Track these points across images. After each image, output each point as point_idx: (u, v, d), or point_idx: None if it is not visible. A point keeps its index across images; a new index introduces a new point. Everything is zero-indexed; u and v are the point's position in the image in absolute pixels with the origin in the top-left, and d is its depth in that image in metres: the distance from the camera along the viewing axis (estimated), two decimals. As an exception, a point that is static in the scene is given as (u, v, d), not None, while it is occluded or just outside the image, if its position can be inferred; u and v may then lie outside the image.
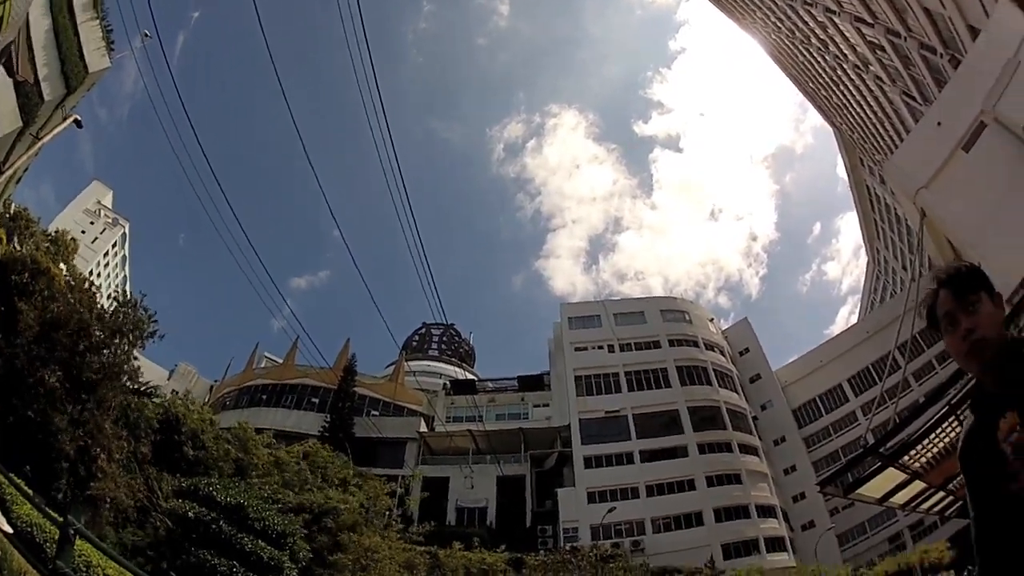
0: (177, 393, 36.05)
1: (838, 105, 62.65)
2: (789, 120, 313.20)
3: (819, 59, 55.32)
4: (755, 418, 78.51)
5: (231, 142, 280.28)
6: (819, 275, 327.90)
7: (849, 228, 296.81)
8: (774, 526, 67.12)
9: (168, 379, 78.17)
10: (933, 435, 12.18)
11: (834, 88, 58.62)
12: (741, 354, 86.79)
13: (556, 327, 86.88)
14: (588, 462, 69.34)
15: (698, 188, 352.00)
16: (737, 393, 78.85)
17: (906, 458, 13.13)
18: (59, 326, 21.88)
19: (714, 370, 78.37)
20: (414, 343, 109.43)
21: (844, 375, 78.63)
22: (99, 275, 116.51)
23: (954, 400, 11.97)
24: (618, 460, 69.49)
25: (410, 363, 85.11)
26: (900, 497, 15.53)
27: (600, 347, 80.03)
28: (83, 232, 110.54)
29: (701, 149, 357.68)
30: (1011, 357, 2.29)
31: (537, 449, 73.35)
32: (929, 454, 12.95)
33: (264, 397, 74.04)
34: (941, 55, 31.16)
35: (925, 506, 16.63)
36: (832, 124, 76.43)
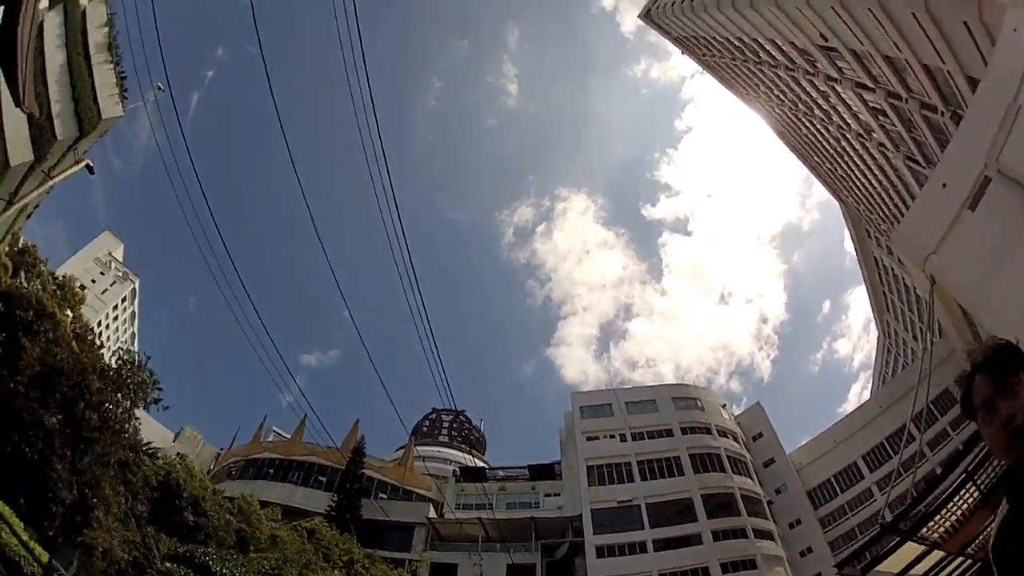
0: (181, 457, 35.49)
1: (843, 177, 63.06)
2: (795, 196, 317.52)
3: (822, 130, 55.89)
4: (770, 502, 76.85)
5: (243, 209, 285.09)
6: (830, 353, 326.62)
7: (858, 303, 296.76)
8: (791, 610, 65.17)
9: (173, 441, 77.49)
10: (951, 504, 12.04)
11: (838, 159, 59.07)
12: (754, 439, 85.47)
13: (567, 416, 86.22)
14: (600, 551, 67.72)
15: (707, 272, 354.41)
16: (751, 478, 77.35)
17: (924, 530, 12.98)
18: (61, 373, 21.67)
19: (728, 456, 77.07)
20: (424, 428, 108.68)
21: (858, 452, 77.23)
22: (107, 327, 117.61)
23: (971, 467, 11.62)
24: (631, 549, 67.88)
25: (420, 448, 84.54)
26: (919, 569, 14.94)
27: (612, 436, 79.29)
28: (93, 281, 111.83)
29: (709, 231, 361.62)
30: None
31: (548, 538, 71.71)
32: (947, 523, 12.74)
33: (271, 471, 73.31)
34: (942, 113, 31.31)
35: (944, 574, 15.91)
36: (838, 197, 76.87)
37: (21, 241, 27.95)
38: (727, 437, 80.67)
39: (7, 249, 24.62)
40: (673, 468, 75.38)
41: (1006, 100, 18.23)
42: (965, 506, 12.14)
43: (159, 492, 28.88)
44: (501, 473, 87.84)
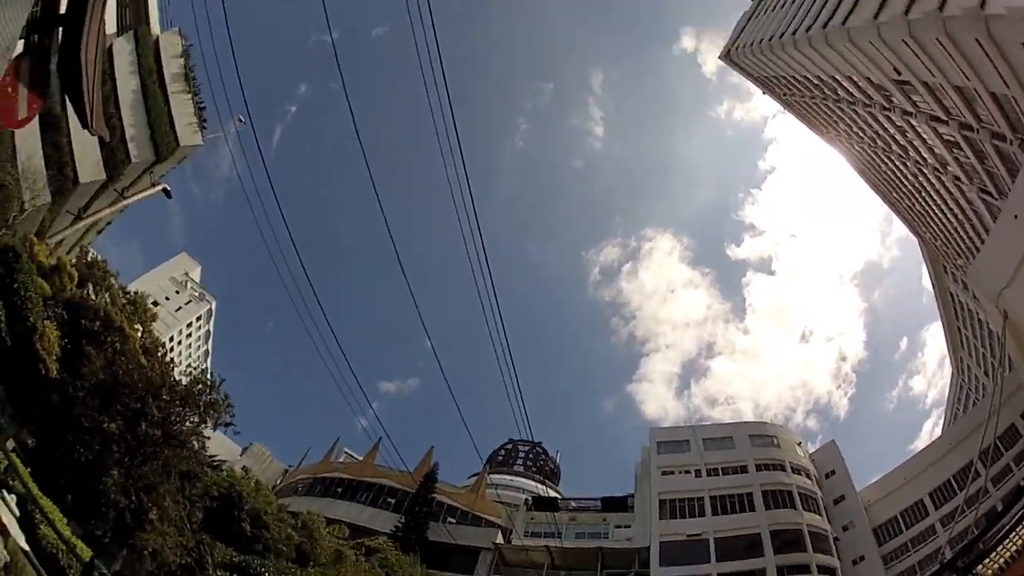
0: (247, 470, 36.62)
1: (921, 212, 62.04)
2: (875, 233, 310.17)
3: (900, 166, 55.28)
4: (836, 539, 75.12)
5: (325, 239, 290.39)
6: (905, 391, 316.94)
7: (934, 340, 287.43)
8: (846, 646, 63.29)
9: (240, 455, 79.15)
10: (1008, 540, 11.86)
11: (916, 195, 58.22)
12: (827, 476, 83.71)
13: (644, 451, 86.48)
14: (666, 583, 66.90)
15: (789, 311, 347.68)
16: (820, 515, 75.75)
17: (980, 567, 13.10)
18: (125, 385, 22.82)
19: (799, 493, 75.78)
20: (500, 457, 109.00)
21: (925, 490, 75.13)
22: (179, 343, 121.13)
23: None
24: (696, 582, 67.10)
25: (493, 476, 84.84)
26: None
27: (687, 471, 79.14)
28: (167, 299, 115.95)
29: (792, 270, 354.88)
30: None
31: (614, 569, 71.63)
32: (1002, 559, 12.80)
33: (339, 490, 74.19)
34: (1011, 141, 30.94)
35: None
36: (916, 233, 75.53)
37: (90, 255, 29.51)
38: (800, 474, 79.30)
39: (74, 261, 26.09)
40: (744, 504, 74.55)
41: None
42: (1021, 542, 12.17)
43: (219, 502, 29.85)
44: (573, 504, 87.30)
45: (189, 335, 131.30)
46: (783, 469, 78.43)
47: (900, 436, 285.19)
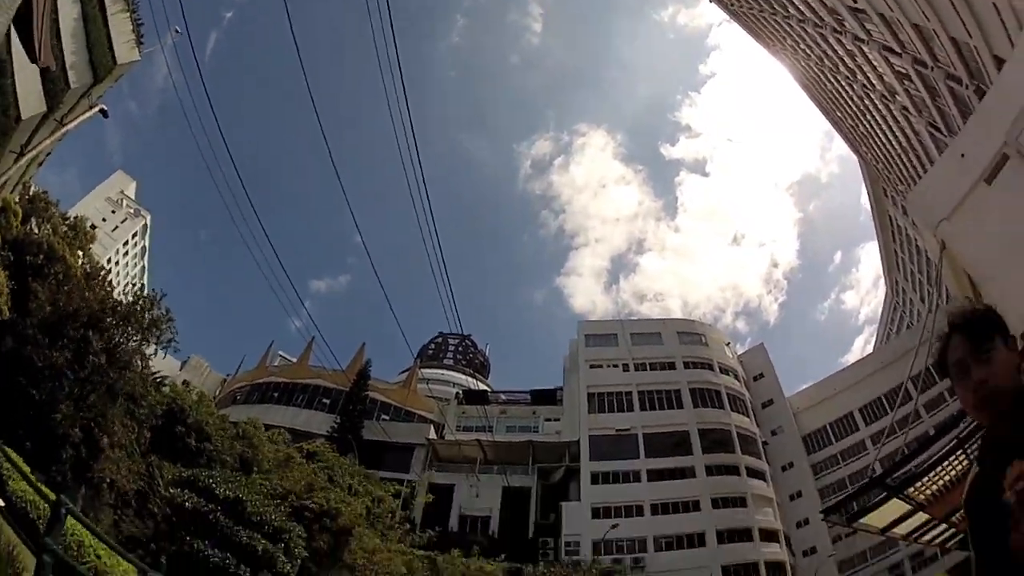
0: (187, 384, 36.36)
1: (864, 134, 62.43)
2: (816, 148, 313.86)
3: (846, 87, 55.21)
4: (765, 443, 78.14)
5: (258, 142, 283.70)
6: (837, 304, 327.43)
7: (869, 258, 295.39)
8: (776, 551, 66.73)
9: (180, 370, 78.66)
10: (940, 468, 12.16)
11: (861, 117, 58.45)
12: (755, 379, 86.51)
13: (572, 344, 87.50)
14: (595, 478, 69.48)
15: (722, 213, 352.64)
16: (749, 417, 78.61)
17: (911, 489, 13.09)
18: (71, 315, 22.25)
19: (727, 394, 78.44)
20: (430, 351, 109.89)
21: (856, 404, 78.15)
22: (117, 263, 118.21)
23: (963, 434, 11.96)
24: (625, 478, 69.67)
25: (424, 371, 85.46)
26: (903, 528, 15.33)
27: (615, 366, 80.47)
28: (104, 220, 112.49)
29: (727, 174, 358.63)
30: (1018, 413, 2.23)
31: (545, 462, 73.20)
32: (934, 486, 12.89)
33: (276, 395, 74.43)
34: (967, 86, 31.13)
35: (926, 538, 16.24)
36: (858, 153, 76.10)
37: (32, 189, 28.31)
38: (728, 375, 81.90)
39: (17, 199, 24.99)
40: (673, 401, 76.85)
41: None
42: (954, 472, 12.52)
43: (163, 419, 29.66)
44: (503, 397, 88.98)
45: (126, 254, 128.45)
46: (711, 368, 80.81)
47: (831, 348, 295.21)
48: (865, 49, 42.77)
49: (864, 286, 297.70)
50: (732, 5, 66.94)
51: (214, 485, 24.09)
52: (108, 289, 26.50)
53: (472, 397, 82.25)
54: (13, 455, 16.28)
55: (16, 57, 17.89)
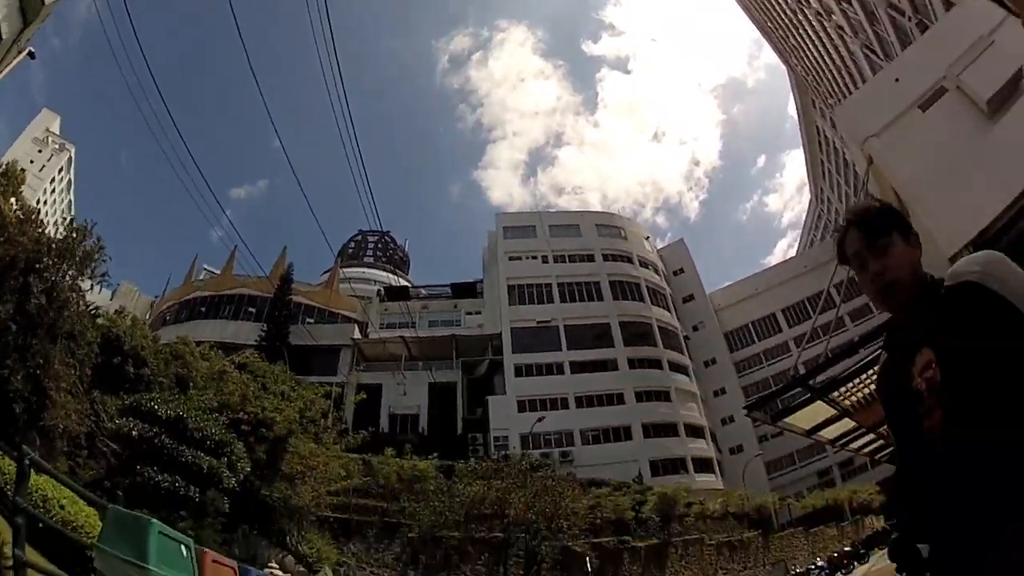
0: (120, 312, 35.82)
1: (795, 46, 62.86)
2: (743, 54, 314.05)
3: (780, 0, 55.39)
4: (687, 338, 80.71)
5: (172, 48, 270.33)
6: (760, 206, 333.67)
7: (794, 165, 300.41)
8: (702, 447, 69.47)
9: (111, 299, 77.03)
10: (865, 375, 12.01)
11: (793, 29, 58.72)
12: (676, 274, 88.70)
13: (491, 236, 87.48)
14: (519, 371, 70.80)
15: (643, 110, 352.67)
16: (669, 311, 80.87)
17: (836, 394, 13.03)
18: (10, 266, 21.79)
19: (647, 287, 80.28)
20: (349, 250, 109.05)
21: (779, 305, 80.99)
22: (46, 202, 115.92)
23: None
24: (548, 370, 71.05)
25: (345, 270, 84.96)
26: (829, 432, 15.61)
27: (534, 257, 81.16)
28: (31, 161, 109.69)
29: (649, 73, 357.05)
30: (924, 299, 2.33)
31: (469, 356, 74.16)
32: (860, 394, 12.98)
33: (203, 309, 73.31)
34: (910, 18, 31.64)
35: (855, 445, 16.68)
36: (787, 64, 76.63)
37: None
38: (648, 268, 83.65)
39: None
40: (593, 293, 78.33)
41: (979, 31, 19.00)
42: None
43: (101, 352, 29.42)
44: (424, 292, 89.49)
45: (53, 190, 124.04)
46: (630, 261, 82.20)
47: (753, 248, 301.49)
48: (804, -37, 43.00)
49: (788, 191, 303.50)
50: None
51: (155, 407, 24.11)
52: (41, 230, 25.89)
53: (394, 294, 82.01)
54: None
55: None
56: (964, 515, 2.04)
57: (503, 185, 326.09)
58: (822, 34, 50.62)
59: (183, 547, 12.25)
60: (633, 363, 71.58)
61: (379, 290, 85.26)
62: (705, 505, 52.15)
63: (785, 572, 46.91)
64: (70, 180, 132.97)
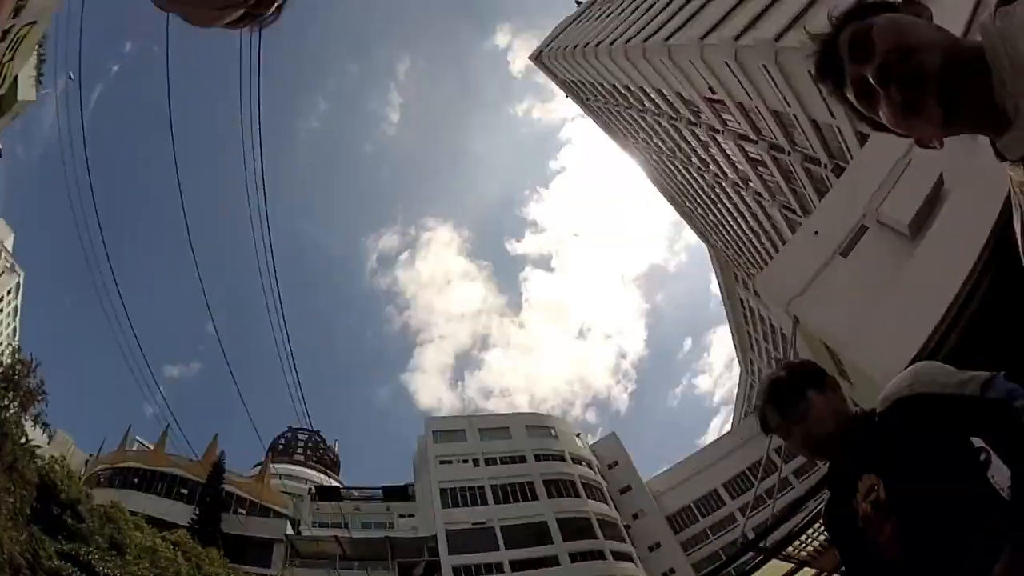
0: (56, 460, 34.31)
1: (714, 223, 65.48)
2: (663, 239, 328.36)
3: (698, 178, 57.84)
4: (627, 527, 78.83)
5: (128, 207, 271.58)
6: (690, 389, 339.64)
7: (721, 342, 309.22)
8: (655, 630, 66.90)
9: (48, 443, 73.61)
10: (818, 523, 12.16)
11: (711, 206, 61.26)
12: (610, 467, 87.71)
13: (420, 440, 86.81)
14: (457, 571, 68.29)
15: (567, 307, 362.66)
16: (607, 504, 79.38)
17: (790, 549, 13.38)
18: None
19: (582, 483, 79.06)
20: (280, 446, 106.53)
21: (719, 480, 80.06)
22: None
23: None
24: (488, 570, 68.86)
25: (276, 466, 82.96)
26: None
27: (465, 461, 79.98)
28: None
29: (573, 268, 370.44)
30: (856, 432, 2.37)
31: (405, 558, 71.71)
32: (815, 543, 13.19)
33: (136, 480, 69.32)
34: (825, 165, 33.35)
35: None
36: (707, 242, 79.60)
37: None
38: (581, 464, 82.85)
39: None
40: (527, 492, 76.79)
41: (896, 154, 19.94)
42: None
43: (38, 492, 28.15)
44: (356, 493, 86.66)
45: (1, 310, 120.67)
46: (563, 459, 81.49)
47: (686, 432, 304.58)
48: (720, 139, 44.99)
49: (717, 369, 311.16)
50: (587, 100, 70.04)
51: (94, 562, 23.21)
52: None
53: (325, 493, 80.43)
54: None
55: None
56: None
57: (431, 389, 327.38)
58: (740, 205, 52.56)
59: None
60: (575, 557, 69.62)
61: (310, 488, 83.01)
62: None
63: None
64: (17, 307, 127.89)
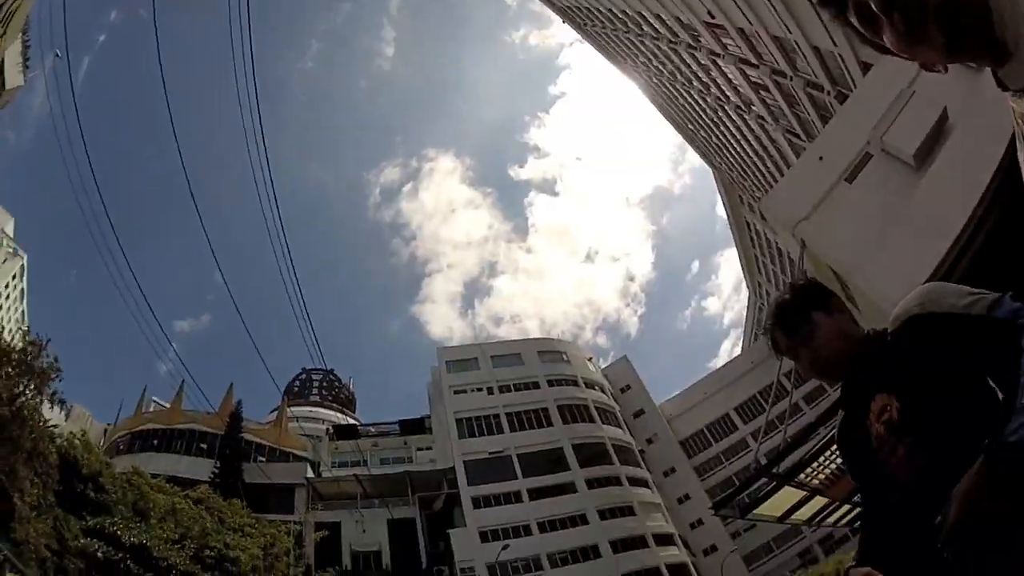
0: (75, 435, 34.57)
1: (718, 145, 64.57)
2: (667, 162, 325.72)
3: (700, 101, 56.94)
4: (642, 451, 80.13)
5: (127, 173, 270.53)
6: (699, 311, 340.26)
7: (729, 264, 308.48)
8: (674, 553, 68.17)
9: (65, 420, 74.32)
10: (829, 451, 12.19)
11: (714, 129, 60.38)
12: (623, 391, 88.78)
13: (434, 371, 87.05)
14: (476, 502, 69.28)
15: (574, 231, 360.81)
16: (621, 428, 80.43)
17: (802, 476, 13.22)
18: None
19: (596, 407, 79.78)
20: (295, 388, 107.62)
21: (731, 405, 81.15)
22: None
23: None
24: (506, 499, 69.74)
25: (293, 409, 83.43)
26: (803, 513, 15.67)
27: (479, 389, 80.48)
28: None
29: (577, 192, 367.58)
30: (868, 352, 2.38)
31: (425, 492, 72.80)
32: (827, 471, 13.07)
33: (155, 442, 70.70)
34: (828, 92, 32.71)
35: (831, 519, 16.72)
36: (711, 164, 78.65)
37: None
38: (594, 389, 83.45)
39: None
40: (542, 419, 77.44)
41: (900, 85, 19.52)
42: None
43: (61, 472, 28.36)
44: (373, 430, 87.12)
45: (7, 296, 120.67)
46: (576, 384, 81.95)
47: (697, 354, 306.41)
48: (720, 63, 44.02)
49: (726, 291, 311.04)
50: (584, 25, 68.52)
51: (119, 532, 23.53)
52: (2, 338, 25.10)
53: (343, 432, 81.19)
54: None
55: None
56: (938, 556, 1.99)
57: (442, 318, 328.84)
58: (743, 128, 51.89)
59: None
60: (592, 483, 70.59)
61: (328, 429, 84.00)
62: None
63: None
64: (23, 290, 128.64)
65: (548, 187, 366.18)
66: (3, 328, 27.38)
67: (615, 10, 54.80)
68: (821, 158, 23.51)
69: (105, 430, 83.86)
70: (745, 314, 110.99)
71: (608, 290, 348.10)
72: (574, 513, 68.30)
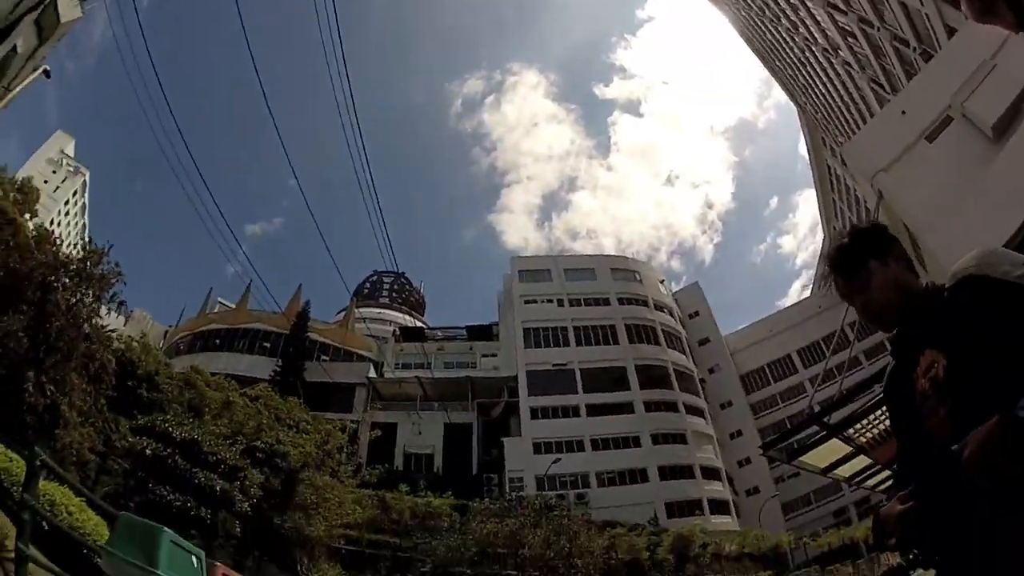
0: (132, 338, 35.86)
1: (804, 85, 62.88)
2: (753, 95, 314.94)
3: (788, 39, 55.29)
4: (702, 381, 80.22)
5: (193, 87, 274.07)
6: (774, 247, 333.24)
7: (807, 205, 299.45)
8: (718, 488, 68.63)
9: (125, 325, 77.27)
10: (879, 411, 11.80)
11: (800, 68, 58.76)
12: (691, 317, 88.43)
13: (506, 279, 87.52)
14: (535, 413, 70.11)
15: (656, 153, 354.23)
16: (685, 355, 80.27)
17: (851, 431, 12.92)
18: (25, 277, 21.66)
19: (663, 330, 79.68)
20: (365, 290, 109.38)
21: (794, 346, 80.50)
22: (59, 224, 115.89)
23: None
24: (564, 413, 70.39)
25: (361, 310, 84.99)
26: (845, 470, 15.52)
27: (549, 301, 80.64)
28: (45, 182, 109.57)
29: (661, 116, 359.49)
30: (923, 306, 2.36)
31: (484, 398, 73.97)
32: (875, 431, 12.85)
33: (217, 341, 73.24)
34: (914, 48, 31.62)
35: (871, 483, 16.40)
36: (796, 103, 76.64)
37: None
38: (663, 311, 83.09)
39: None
40: (608, 336, 77.59)
41: (982, 55, 18.84)
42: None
43: (117, 375, 29.33)
44: (440, 334, 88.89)
45: (67, 213, 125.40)
46: (646, 304, 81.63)
47: (767, 290, 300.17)
48: (809, 4, 42.91)
49: (801, 231, 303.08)
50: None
51: (170, 429, 24.19)
52: (56, 249, 25.86)
53: (409, 334, 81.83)
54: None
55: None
56: (969, 517, 2.03)
57: (518, 229, 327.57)
58: (829, 71, 50.48)
59: (194, 558, 12.00)
60: (649, 406, 70.79)
61: (395, 330, 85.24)
62: (721, 546, 51.31)
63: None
64: (84, 204, 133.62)
65: (632, 108, 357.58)
66: (64, 241, 27.96)
67: (707, -59, 53.19)
68: (904, 112, 22.87)
69: (166, 332, 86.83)
70: (818, 258, 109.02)
71: (686, 215, 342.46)
72: (628, 434, 68.66)
